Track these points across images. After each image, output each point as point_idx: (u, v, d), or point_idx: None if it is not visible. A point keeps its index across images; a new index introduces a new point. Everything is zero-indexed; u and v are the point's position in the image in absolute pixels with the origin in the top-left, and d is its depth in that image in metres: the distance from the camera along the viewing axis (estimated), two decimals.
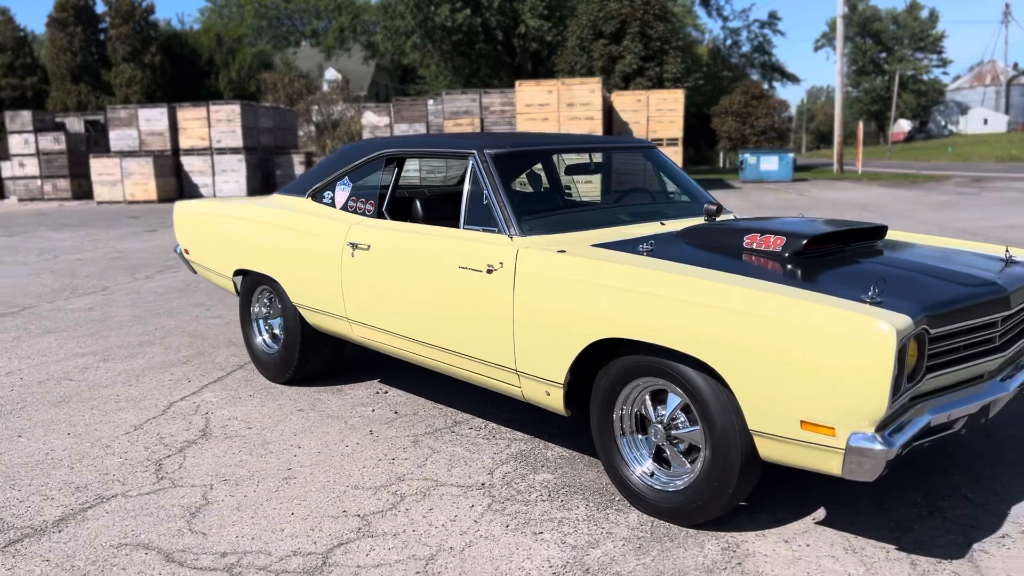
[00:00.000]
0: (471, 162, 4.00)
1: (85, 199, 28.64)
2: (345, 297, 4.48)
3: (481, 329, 3.72)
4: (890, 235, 3.98)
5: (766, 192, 25.44)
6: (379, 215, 4.51)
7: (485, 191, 3.88)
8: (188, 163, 27.78)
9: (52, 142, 29.60)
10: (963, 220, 14.61)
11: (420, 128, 26.67)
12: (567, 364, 3.38)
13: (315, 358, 5.09)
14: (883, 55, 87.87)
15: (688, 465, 3.21)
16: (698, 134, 52.29)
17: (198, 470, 3.89)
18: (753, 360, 2.78)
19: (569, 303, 3.35)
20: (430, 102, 27.05)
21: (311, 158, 29.11)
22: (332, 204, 4.82)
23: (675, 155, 25.74)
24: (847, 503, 3.35)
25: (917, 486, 3.49)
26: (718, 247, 3.48)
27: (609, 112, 25.84)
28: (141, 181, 26.44)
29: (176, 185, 27.45)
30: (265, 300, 5.34)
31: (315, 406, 4.81)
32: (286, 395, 5.04)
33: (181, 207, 6.03)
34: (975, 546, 2.97)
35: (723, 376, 2.88)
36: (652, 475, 3.31)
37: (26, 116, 30.00)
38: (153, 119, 27.80)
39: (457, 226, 3.98)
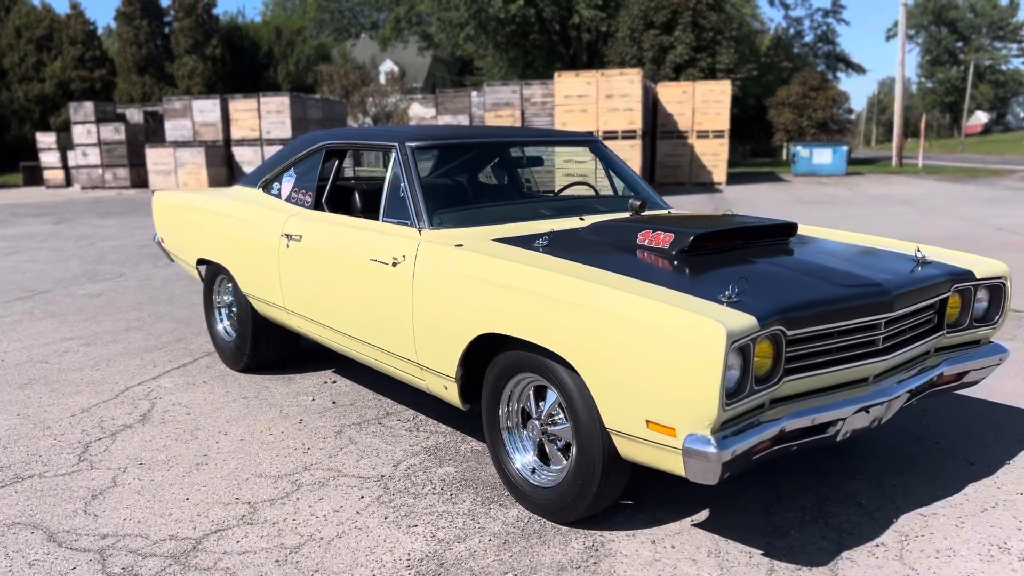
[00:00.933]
0: (393, 154, 4.02)
1: (143, 187, 29.56)
2: (283, 287, 4.56)
3: (388, 321, 3.75)
4: (810, 231, 3.88)
5: (813, 186, 24.83)
6: (317, 206, 4.57)
7: (403, 183, 3.90)
8: (239, 153, 28.44)
9: (112, 132, 30.63)
10: (998, 216, 14.04)
11: (463, 120, 26.78)
12: (457, 358, 3.39)
13: (267, 347, 5.19)
14: (959, 44, 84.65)
15: (565, 462, 3.19)
16: (757, 126, 51.30)
17: (121, 454, 4.01)
18: (605, 358, 2.75)
19: (457, 297, 3.35)
20: (474, 94, 27.12)
21: None
22: (278, 195, 4.90)
23: (721, 148, 25.33)
24: (735, 505, 3.28)
25: (815, 490, 3.40)
26: (613, 243, 3.44)
27: (654, 104, 25.54)
28: (193, 171, 27.18)
29: (227, 175, 28.14)
30: (227, 288, 5.46)
31: (260, 394, 4.91)
32: (238, 382, 5.15)
33: (158, 197, 6.19)
34: (844, 554, 2.88)
35: (580, 373, 2.85)
36: (533, 471, 3.30)
37: (89, 107, 31.10)
38: (206, 110, 28.54)
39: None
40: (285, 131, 27.93)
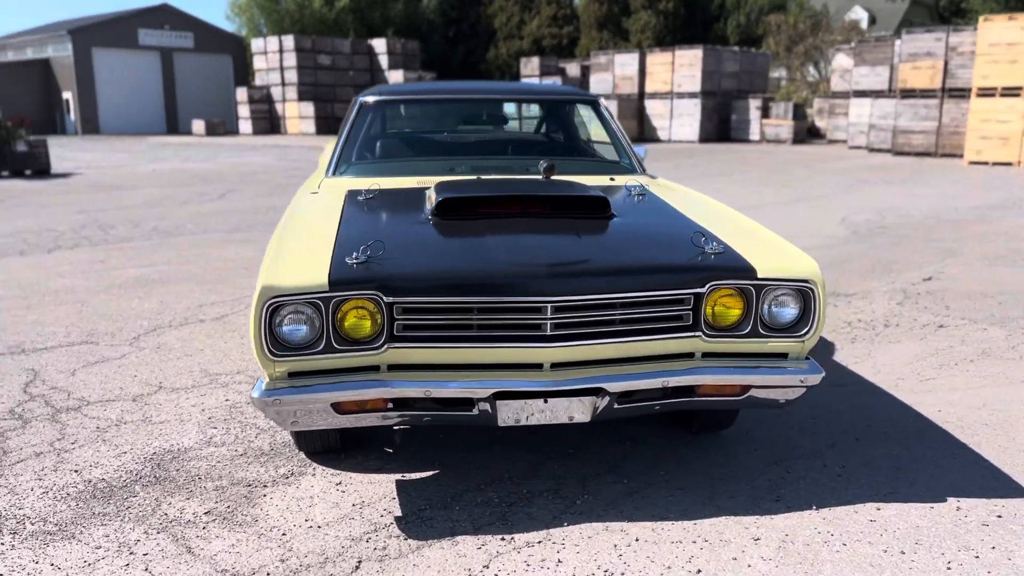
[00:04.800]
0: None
1: None
2: None
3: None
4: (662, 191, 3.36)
5: None
6: None
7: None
8: (650, 107, 29.40)
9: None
10: None
11: (882, 71, 24.04)
12: None
13: None
14: None
15: None
16: None
17: None
18: None
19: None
20: (897, 43, 24.15)
21: (767, 103, 28.40)
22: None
23: None
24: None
25: (503, 485, 3.06)
26: (409, 203, 3.43)
27: None
28: None
29: (637, 128, 29.32)
30: None
31: None
32: None
33: None
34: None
35: None
36: None
37: (535, 62, 34.69)
38: (626, 64, 29.93)
39: None
40: (695, 84, 28.09)
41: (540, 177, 3.76)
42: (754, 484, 3.05)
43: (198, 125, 39.82)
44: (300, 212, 3.42)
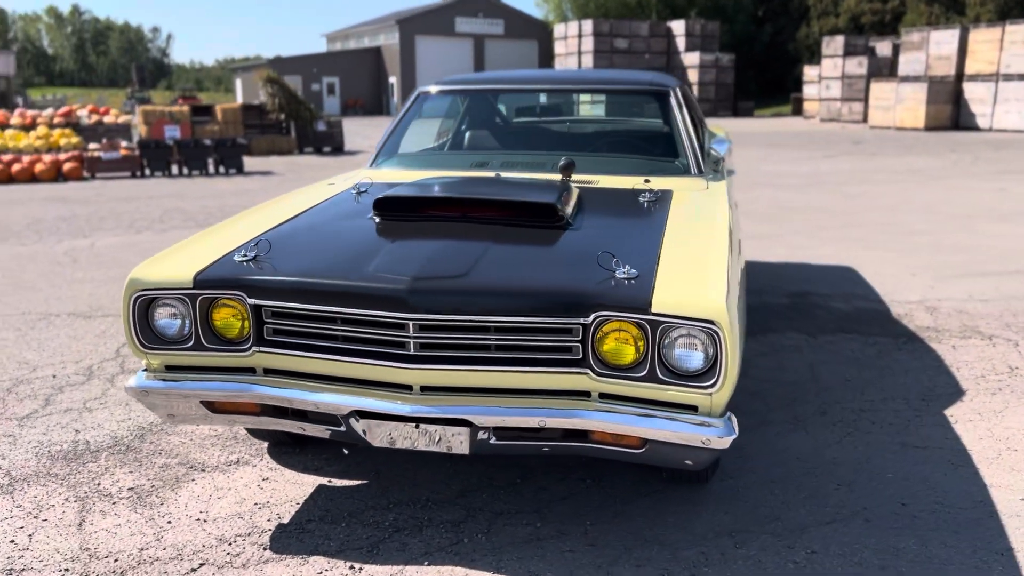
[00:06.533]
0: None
1: (866, 123, 29.26)
2: None
3: None
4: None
5: None
6: None
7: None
8: (969, 90, 25.76)
9: (856, 66, 30.93)
10: None
11: None
12: None
13: None
14: None
15: None
16: None
17: None
18: None
19: None
20: None
21: None
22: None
23: None
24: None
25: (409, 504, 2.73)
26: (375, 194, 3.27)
27: None
28: (912, 107, 25.79)
29: (951, 113, 25.89)
30: None
31: None
32: None
33: None
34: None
35: None
36: None
37: (839, 41, 31.95)
38: (943, 42, 26.50)
39: None
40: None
41: (557, 177, 3.43)
42: (677, 557, 2.53)
43: None
44: (273, 203, 3.42)
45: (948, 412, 3.61)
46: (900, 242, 7.47)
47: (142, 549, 2.60)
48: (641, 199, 3.17)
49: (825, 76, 32.15)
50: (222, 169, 15.02)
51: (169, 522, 2.76)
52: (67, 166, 13.63)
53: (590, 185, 3.42)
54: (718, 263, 2.48)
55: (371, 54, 50.63)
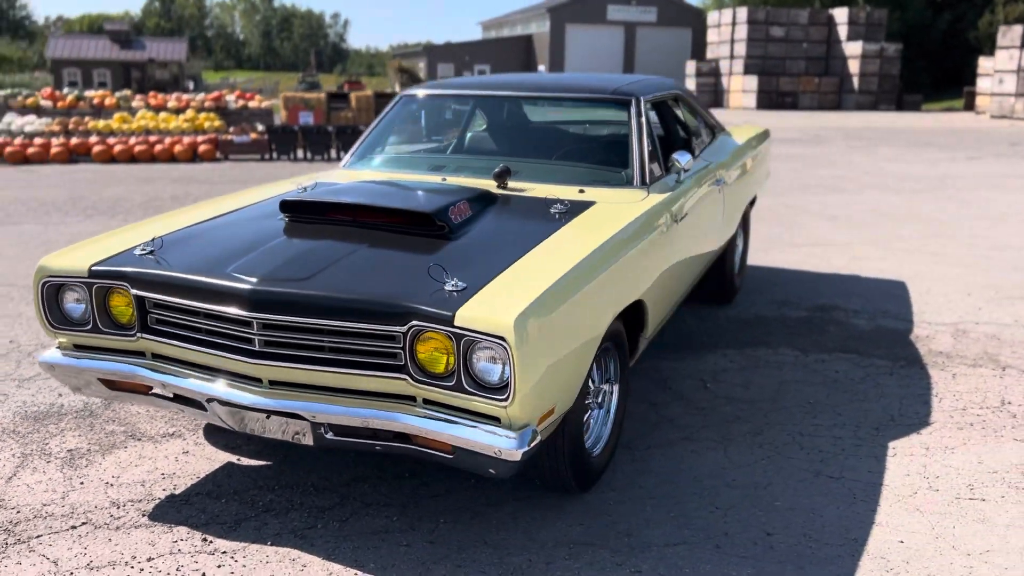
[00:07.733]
0: None
1: None
2: None
3: None
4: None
5: None
6: None
7: None
8: None
9: None
10: None
11: None
12: None
13: None
14: None
15: None
16: None
17: None
18: None
19: None
20: None
21: None
22: None
23: None
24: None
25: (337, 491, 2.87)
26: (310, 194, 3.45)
27: None
28: None
29: None
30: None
31: None
32: None
33: None
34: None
35: None
36: None
37: (1016, 31, 29.28)
38: None
39: None
40: None
41: (494, 184, 3.52)
42: (503, 562, 2.57)
43: None
44: (218, 200, 3.67)
45: (893, 444, 3.41)
46: (979, 257, 6.90)
47: (44, 504, 2.93)
48: (552, 210, 3.19)
49: (999, 69, 29.60)
50: (343, 155, 15.76)
51: (81, 483, 3.08)
52: (202, 148, 14.77)
53: (518, 193, 3.48)
54: (543, 279, 2.51)
55: (522, 42, 51.20)
